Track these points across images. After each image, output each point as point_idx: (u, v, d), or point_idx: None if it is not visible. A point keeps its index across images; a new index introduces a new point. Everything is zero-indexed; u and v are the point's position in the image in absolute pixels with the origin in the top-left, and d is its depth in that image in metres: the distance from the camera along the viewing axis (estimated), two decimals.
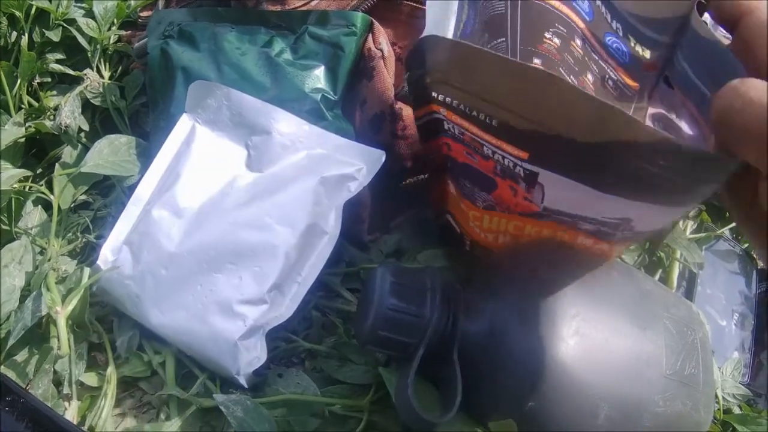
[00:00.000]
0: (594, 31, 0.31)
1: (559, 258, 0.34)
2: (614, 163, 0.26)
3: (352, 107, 0.40)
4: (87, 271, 0.37)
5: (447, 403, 0.32)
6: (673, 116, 0.31)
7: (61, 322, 0.35)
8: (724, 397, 0.43)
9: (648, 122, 0.31)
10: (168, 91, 0.41)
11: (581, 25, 0.31)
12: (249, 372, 0.35)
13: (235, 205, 0.37)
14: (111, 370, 0.37)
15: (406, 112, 0.39)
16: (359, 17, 0.40)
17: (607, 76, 0.31)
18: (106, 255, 0.38)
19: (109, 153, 0.41)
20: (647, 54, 0.31)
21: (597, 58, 0.31)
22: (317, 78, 0.39)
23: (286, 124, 0.38)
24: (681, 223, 0.49)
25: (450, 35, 0.31)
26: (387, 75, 0.39)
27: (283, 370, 0.36)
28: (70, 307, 0.36)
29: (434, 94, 0.31)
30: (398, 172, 0.40)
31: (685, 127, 0.30)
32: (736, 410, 0.44)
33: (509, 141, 0.28)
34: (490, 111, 0.28)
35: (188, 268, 0.36)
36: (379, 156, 0.37)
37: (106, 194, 0.45)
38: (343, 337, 0.37)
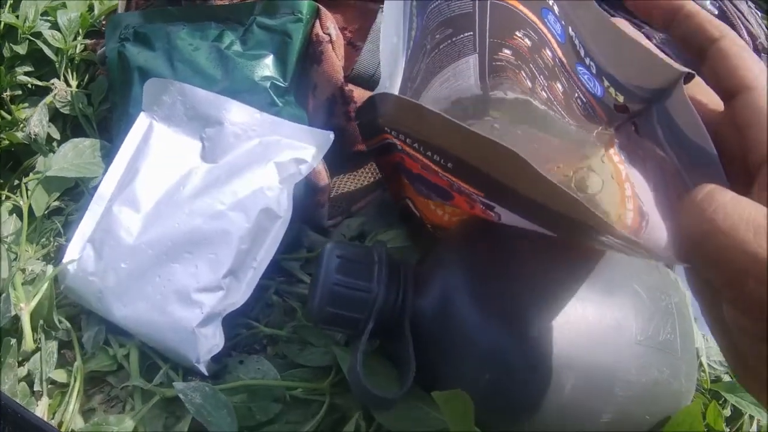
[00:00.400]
0: (566, 54, 0.29)
1: (515, 229, 0.33)
2: (575, 230, 0.25)
3: (304, 93, 0.40)
4: (50, 268, 0.38)
5: (402, 380, 0.31)
6: (639, 152, 0.28)
7: (25, 318, 0.36)
8: (710, 365, 0.41)
9: (615, 148, 0.29)
10: (126, 91, 0.42)
11: (554, 43, 0.29)
12: (208, 359, 0.35)
13: (191, 195, 0.38)
14: (78, 365, 0.37)
15: (358, 93, 0.39)
16: (305, 5, 0.40)
17: (576, 95, 0.29)
18: (71, 254, 0.39)
19: (74, 156, 0.42)
20: (620, 98, 0.28)
21: (567, 77, 0.29)
22: (266, 66, 0.39)
23: (237, 114, 0.38)
24: None
25: (401, 71, 0.31)
26: (336, 59, 0.39)
27: (244, 357, 0.36)
28: (34, 303, 0.36)
29: (387, 130, 0.30)
30: (354, 155, 0.40)
31: (650, 166, 0.27)
32: (726, 378, 0.42)
33: (465, 181, 0.27)
34: (444, 155, 0.27)
35: (147, 261, 0.37)
36: (327, 136, 0.37)
37: (78, 199, 0.46)
38: (303, 320, 0.36)
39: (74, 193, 0.46)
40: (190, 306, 0.35)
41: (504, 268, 0.31)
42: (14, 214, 0.46)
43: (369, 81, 0.39)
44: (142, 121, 0.41)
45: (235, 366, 0.35)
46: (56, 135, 0.47)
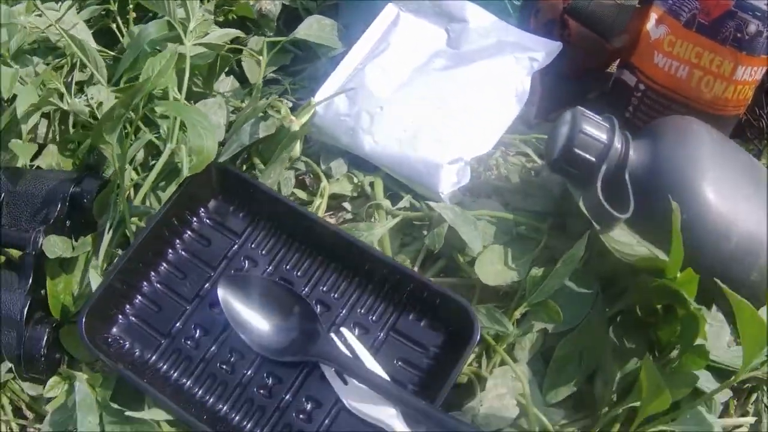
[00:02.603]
0: None
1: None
2: None
3: (528, 15, 0.55)
4: (312, 99, 0.49)
5: (622, 209, 0.44)
6: None
7: (296, 127, 0.46)
8: None
9: None
10: None
11: None
12: (451, 191, 0.47)
13: (439, 68, 0.50)
14: (324, 186, 0.48)
15: (572, 23, 0.54)
16: None
17: None
18: (321, 97, 0.50)
19: (318, 29, 0.54)
20: None
21: None
22: None
23: (479, 17, 0.52)
24: None
25: None
26: None
27: (475, 199, 0.48)
28: (303, 119, 0.47)
29: None
30: (564, 73, 0.54)
31: None
32: None
33: None
34: None
35: (400, 109, 0.48)
36: (557, 46, 0.51)
37: (294, 74, 0.58)
38: (527, 175, 0.49)
39: (291, 71, 0.58)
40: (440, 147, 0.47)
41: (688, 163, 0.46)
42: (231, 76, 0.58)
43: (582, 15, 0.54)
44: (389, 10, 0.53)
45: (469, 203, 0.47)
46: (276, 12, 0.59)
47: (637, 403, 0.39)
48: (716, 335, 0.43)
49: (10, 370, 0.44)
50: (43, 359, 0.42)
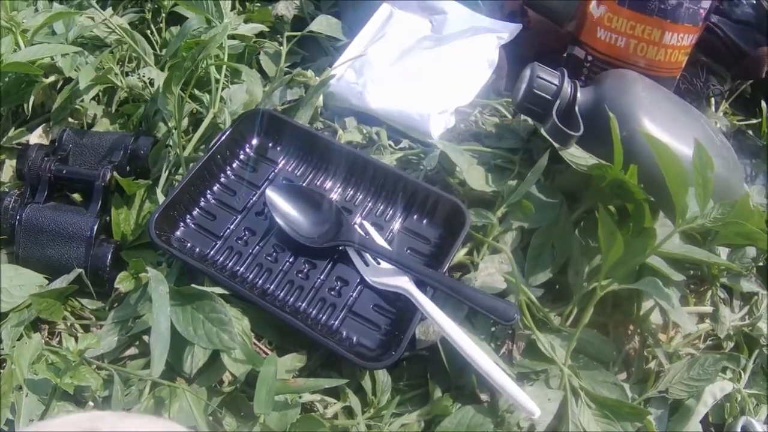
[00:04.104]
0: None
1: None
2: None
3: (494, 7, 0.75)
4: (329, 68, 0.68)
5: (575, 130, 0.62)
6: None
7: (314, 84, 0.65)
8: None
9: None
10: None
11: None
12: (440, 134, 0.65)
13: (428, 47, 0.69)
14: (340, 134, 0.65)
15: (531, 12, 0.75)
16: None
17: None
18: (335, 72, 0.69)
19: (326, 25, 0.73)
20: None
21: None
22: None
23: (456, 10, 0.71)
24: None
25: None
26: None
27: (459, 142, 0.66)
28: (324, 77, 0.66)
29: None
30: (526, 56, 0.74)
31: None
32: None
33: None
34: None
35: (399, 78, 0.66)
36: (517, 27, 0.69)
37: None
38: (501, 121, 0.67)
39: (300, 68, 0.77)
40: (430, 101, 0.65)
41: (624, 94, 0.64)
42: (254, 69, 0.76)
43: (538, 6, 0.75)
44: (384, 9, 0.73)
45: (453, 146, 0.65)
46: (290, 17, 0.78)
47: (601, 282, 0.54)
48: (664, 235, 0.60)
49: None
50: (108, 270, 0.54)
